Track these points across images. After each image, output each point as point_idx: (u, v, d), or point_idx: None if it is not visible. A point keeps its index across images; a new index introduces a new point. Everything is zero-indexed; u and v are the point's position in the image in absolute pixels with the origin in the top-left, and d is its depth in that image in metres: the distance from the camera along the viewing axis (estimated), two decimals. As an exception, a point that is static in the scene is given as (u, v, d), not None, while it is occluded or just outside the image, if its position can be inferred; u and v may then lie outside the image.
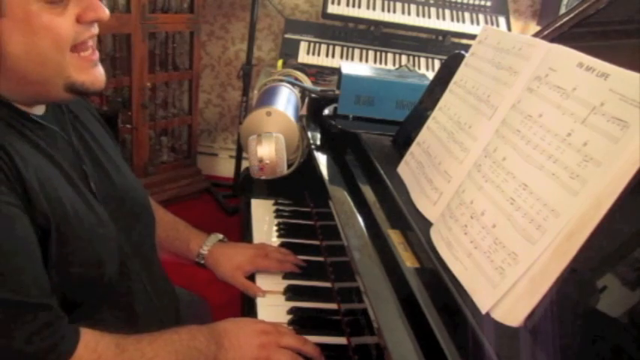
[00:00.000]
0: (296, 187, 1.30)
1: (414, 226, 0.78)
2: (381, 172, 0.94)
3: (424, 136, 0.91)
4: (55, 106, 0.82)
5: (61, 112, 0.83)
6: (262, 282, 1.04)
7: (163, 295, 0.94)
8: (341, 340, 0.89)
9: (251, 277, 1.06)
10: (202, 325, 0.82)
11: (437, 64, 2.49)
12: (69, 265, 0.72)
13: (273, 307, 0.98)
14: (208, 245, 1.08)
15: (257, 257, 1.07)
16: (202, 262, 1.09)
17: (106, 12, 0.72)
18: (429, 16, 2.50)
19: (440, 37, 2.58)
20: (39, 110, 0.78)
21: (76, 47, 0.71)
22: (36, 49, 0.67)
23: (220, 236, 1.12)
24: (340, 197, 0.96)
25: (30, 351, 0.63)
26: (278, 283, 1.04)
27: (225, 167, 3.04)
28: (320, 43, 2.52)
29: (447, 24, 2.49)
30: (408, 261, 0.73)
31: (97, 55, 0.75)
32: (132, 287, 0.85)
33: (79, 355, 0.68)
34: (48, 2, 0.66)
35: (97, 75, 0.75)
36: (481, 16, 2.54)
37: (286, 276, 1.06)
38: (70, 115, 0.85)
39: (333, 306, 0.98)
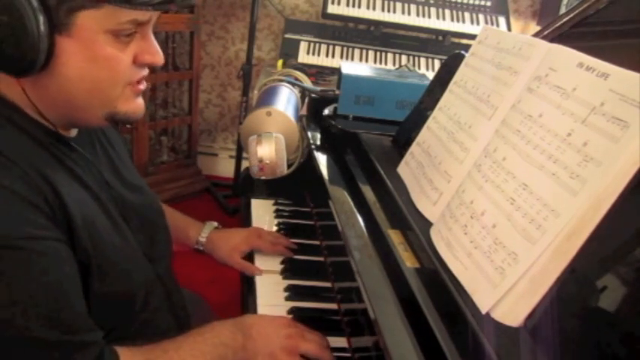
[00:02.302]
0: (296, 187, 1.30)
1: (414, 226, 0.78)
2: (381, 172, 0.94)
3: (424, 136, 0.91)
4: None
5: (92, 130, 0.85)
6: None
7: (178, 306, 0.96)
8: (341, 340, 0.89)
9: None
10: (226, 320, 0.84)
11: (437, 64, 2.49)
12: (106, 296, 0.74)
13: (273, 307, 0.98)
14: (206, 232, 1.14)
15: (251, 237, 1.13)
16: (201, 248, 1.13)
17: (161, 59, 0.72)
18: (429, 16, 2.50)
19: (440, 37, 2.58)
20: (73, 133, 0.78)
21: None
22: (90, 77, 0.67)
23: (215, 224, 1.17)
24: (340, 197, 0.96)
25: None
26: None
27: (225, 167, 3.04)
28: (320, 43, 2.52)
29: (447, 24, 2.49)
30: (408, 261, 0.73)
31: (144, 85, 0.75)
32: (155, 304, 0.87)
33: None
34: (115, 35, 0.66)
35: (138, 104, 0.75)
36: (481, 16, 2.54)
37: (286, 276, 1.06)
38: (98, 131, 0.87)
39: (333, 306, 0.98)
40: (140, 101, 0.75)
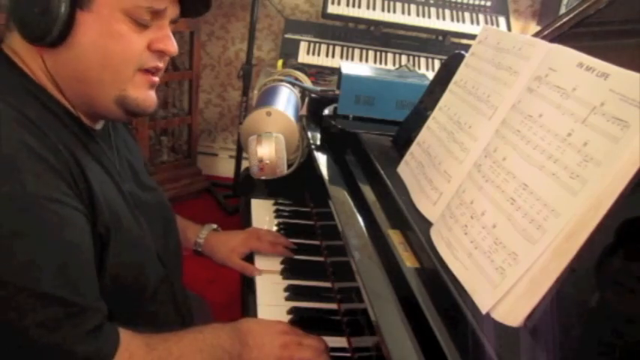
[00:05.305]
0: (296, 187, 1.30)
1: (414, 226, 0.78)
2: (381, 172, 0.94)
3: (424, 136, 0.91)
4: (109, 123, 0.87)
5: (114, 129, 0.88)
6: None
7: (184, 306, 0.96)
8: (341, 340, 0.89)
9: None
10: (226, 324, 0.85)
11: (437, 64, 2.49)
12: (121, 276, 0.76)
13: (273, 307, 0.98)
14: (204, 234, 1.15)
15: (249, 239, 1.13)
16: (200, 249, 1.14)
17: (174, 48, 0.77)
18: (429, 16, 2.50)
19: (440, 37, 2.58)
20: (98, 126, 0.82)
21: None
22: (103, 50, 0.71)
23: (214, 226, 1.18)
24: (340, 197, 0.96)
25: (79, 351, 0.66)
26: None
27: (225, 167, 3.04)
28: (320, 43, 2.52)
29: (447, 24, 2.49)
30: (408, 261, 0.73)
31: (157, 80, 0.78)
32: (163, 297, 0.88)
33: (115, 356, 0.70)
34: (131, 16, 0.71)
35: (150, 95, 0.78)
36: (481, 16, 2.54)
37: (286, 276, 1.06)
38: (118, 133, 0.90)
39: (333, 306, 0.98)
40: (152, 94, 0.79)
